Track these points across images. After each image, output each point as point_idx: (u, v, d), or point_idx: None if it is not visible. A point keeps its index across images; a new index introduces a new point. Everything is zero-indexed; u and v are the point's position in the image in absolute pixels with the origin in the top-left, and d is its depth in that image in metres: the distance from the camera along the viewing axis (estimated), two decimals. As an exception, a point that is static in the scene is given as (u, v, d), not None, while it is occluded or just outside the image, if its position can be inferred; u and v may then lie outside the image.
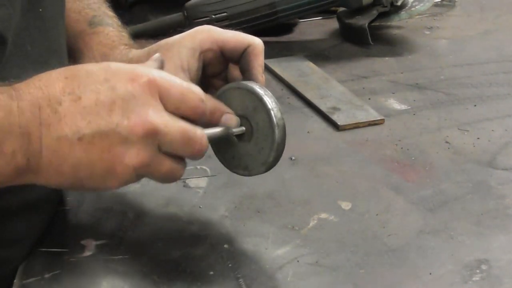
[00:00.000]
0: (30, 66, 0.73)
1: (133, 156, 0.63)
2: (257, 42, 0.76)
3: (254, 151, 0.73)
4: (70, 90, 0.62)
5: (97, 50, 0.82)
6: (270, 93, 0.72)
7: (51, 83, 0.63)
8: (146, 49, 0.80)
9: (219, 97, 0.74)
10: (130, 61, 0.80)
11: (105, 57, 0.81)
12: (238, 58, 0.76)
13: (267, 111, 0.71)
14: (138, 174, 0.65)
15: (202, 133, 0.66)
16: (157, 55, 0.71)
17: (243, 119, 0.73)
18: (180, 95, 0.65)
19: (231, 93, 0.74)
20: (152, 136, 0.63)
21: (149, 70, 0.65)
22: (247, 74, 0.76)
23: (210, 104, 0.70)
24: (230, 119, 0.72)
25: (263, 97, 0.72)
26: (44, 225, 0.79)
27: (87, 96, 0.62)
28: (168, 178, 0.67)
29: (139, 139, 0.63)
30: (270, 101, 0.71)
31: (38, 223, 0.78)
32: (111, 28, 0.85)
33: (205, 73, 0.79)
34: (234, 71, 0.79)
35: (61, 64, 0.79)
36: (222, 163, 0.76)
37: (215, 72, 0.79)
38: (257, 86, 0.73)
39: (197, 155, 0.67)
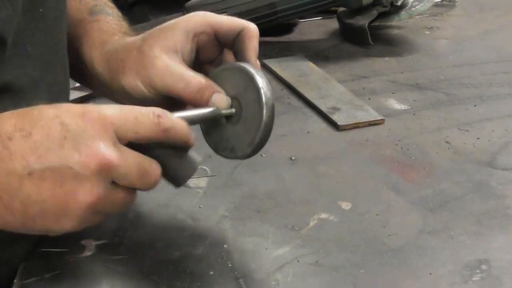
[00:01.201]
0: (31, 67, 0.73)
1: (87, 192, 0.62)
2: (251, 26, 0.76)
3: (242, 132, 0.72)
4: (21, 126, 0.62)
5: (96, 37, 0.81)
6: (262, 73, 0.72)
7: (3, 121, 0.62)
8: (141, 35, 0.79)
9: (212, 79, 0.74)
10: (126, 45, 0.79)
11: (104, 44, 0.81)
12: (232, 42, 0.76)
13: (257, 90, 0.70)
14: (93, 211, 0.63)
15: (157, 166, 0.65)
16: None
17: (234, 100, 0.72)
18: (134, 119, 0.64)
19: (223, 74, 0.74)
20: (106, 170, 0.62)
21: (100, 107, 0.63)
22: (240, 57, 0.75)
23: (194, 88, 0.72)
24: (221, 99, 0.72)
25: (254, 75, 0.71)
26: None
27: (37, 132, 0.61)
28: (120, 209, 0.66)
29: (92, 174, 0.61)
30: (261, 81, 0.71)
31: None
32: (111, 17, 0.85)
33: (199, 59, 0.78)
34: (229, 56, 0.78)
35: (62, 65, 0.80)
36: (210, 145, 0.75)
37: (209, 57, 0.79)
38: (249, 66, 0.72)
39: (152, 187, 0.66)
